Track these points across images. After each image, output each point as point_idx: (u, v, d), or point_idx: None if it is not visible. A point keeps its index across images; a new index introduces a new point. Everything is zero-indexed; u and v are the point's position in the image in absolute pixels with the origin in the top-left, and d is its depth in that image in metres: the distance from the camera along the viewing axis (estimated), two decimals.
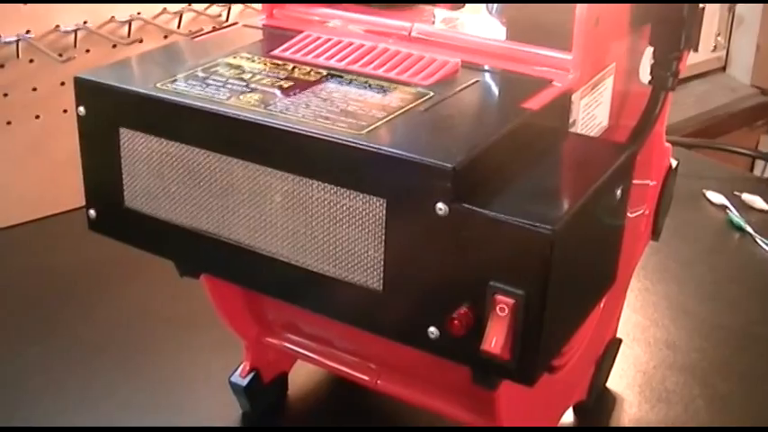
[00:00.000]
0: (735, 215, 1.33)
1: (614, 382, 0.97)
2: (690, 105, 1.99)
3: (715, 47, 2.15)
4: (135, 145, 0.68)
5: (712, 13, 2.11)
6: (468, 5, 0.90)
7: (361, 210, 0.59)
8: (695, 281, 1.19)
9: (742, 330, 1.08)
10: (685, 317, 1.10)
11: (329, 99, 0.65)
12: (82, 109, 0.70)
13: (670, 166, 0.89)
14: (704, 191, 1.40)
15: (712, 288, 1.18)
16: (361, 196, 0.59)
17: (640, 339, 1.05)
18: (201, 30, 1.29)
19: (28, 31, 1.21)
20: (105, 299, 1.11)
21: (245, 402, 0.91)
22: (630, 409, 0.95)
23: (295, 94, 0.66)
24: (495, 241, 0.56)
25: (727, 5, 2.13)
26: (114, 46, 1.28)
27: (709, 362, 1.02)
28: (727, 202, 1.37)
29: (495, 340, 0.56)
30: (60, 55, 1.22)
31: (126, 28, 1.28)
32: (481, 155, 0.58)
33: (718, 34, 2.14)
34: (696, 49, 0.80)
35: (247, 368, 0.90)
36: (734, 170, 1.53)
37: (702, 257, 1.25)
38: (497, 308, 0.56)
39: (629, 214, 0.82)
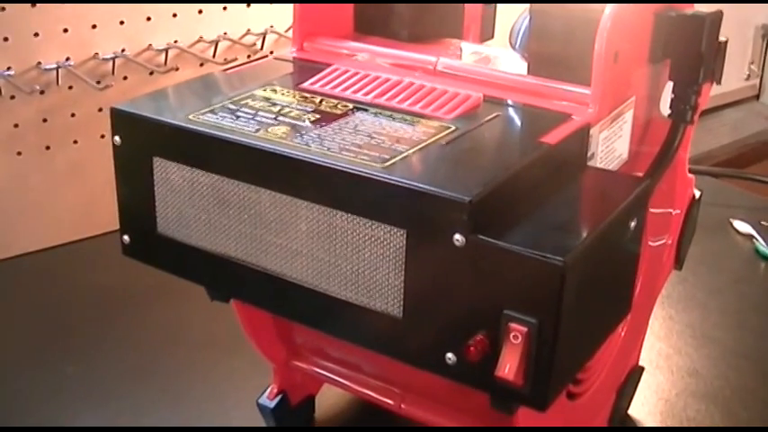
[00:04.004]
0: (762, 244, 1.34)
1: (636, 410, 0.98)
2: (723, 133, 2.00)
3: (749, 75, 2.16)
4: (168, 174, 0.70)
5: (746, 41, 2.12)
6: (494, 40, 0.93)
7: (382, 239, 0.61)
8: (720, 309, 1.19)
9: (766, 359, 1.09)
10: (709, 345, 1.11)
11: (354, 132, 0.67)
12: (117, 139, 0.72)
13: (693, 197, 0.90)
14: (731, 220, 1.41)
15: (737, 317, 1.18)
16: (383, 227, 0.61)
17: (663, 367, 1.06)
18: (236, 59, 1.33)
19: (68, 59, 1.24)
20: (141, 320, 1.14)
21: (272, 424, 0.93)
22: None
23: (322, 127, 0.68)
24: (510, 271, 0.58)
25: (761, 34, 2.14)
26: (151, 73, 1.31)
27: (732, 390, 1.03)
28: (754, 232, 1.37)
29: (508, 367, 0.58)
30: (98, 82, 1.25)
31: (163, 56, 1.31)
32: (498, 188, 0.60)
33: (752, 62, 2.15)
34: (719, 82, 0.81)
35: (275, 391, 0.92)
36: (762, 199, 1.53)
37: (728, 286, 1.26)
38: (511, 335, 0.58)
39: (651, 243, 0.84)
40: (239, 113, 0.70)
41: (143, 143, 0.71)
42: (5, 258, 1.26)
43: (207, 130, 0.67)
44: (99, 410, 0.98)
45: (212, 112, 0.70)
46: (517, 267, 0.57)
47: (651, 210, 0.80)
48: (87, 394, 1.00)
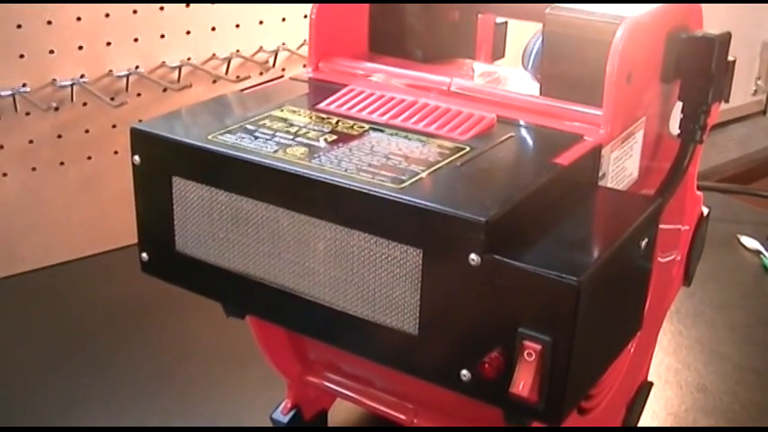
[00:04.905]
0: None
1: (646, 424, 0.99)
2: (730, 148, 2.00)
3: (755, 90, 2.17)
4: (187, 193, 0.71)
5: (753, 57, 2.12)
6: (504, 59, 0.94)
7: (399, 259, 0.62)
8: (729, 325, 1.20)
9: None
10: (718, 360, 1.12)
11: (371, 153, 0.68)
12: (137, 158, 0.73)
13: (702, 214, 0.91)
14: (739, 235, 1.42)
15: (746, 332, 1.19)
16: (399, 246, 0.62)
17: (672, 383, 1.07)
18: (249, 76, 1.34)
19: (82, 76, 1.25)
20: (154, 333, 1.15)
21: None
22: None
23: (339, 148, 0.69)
24: (525, 290, 0.59)
25: None
26: (165, 90, 1.32)
27: (741, 405, 1.04)
28: (761, 247, 1.38)
29: (522, 383, 0.59)
30: (112, 99, 1.26)
31: (176, 73, 1.32)
32: (513, 209, 0.61)
33: (759, 78, 2.16)
34: (727, 101, 0.82)
35: (289, 405, 0.93)
36: None
37: (736, 302, 1.26)
38: (525, 353, 0.59)
39: (660, 259, 0.85)
40: (257, 134, 0.71)
41: (162, 163, 0.72)
42: (20, 273, 1.28)
43: (226, 151, 0.68)
44: (113, 421, 0.99)
45: (231, 132, 0.71)
46: (532, 286, 0.58)
47: (660, 226, 0.81)
48: (102, 405, 1.01)
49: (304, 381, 0.92)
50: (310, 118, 0.74)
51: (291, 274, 0.68)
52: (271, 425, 0.94)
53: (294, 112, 0.76)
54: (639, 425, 0.98)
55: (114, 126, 1.30)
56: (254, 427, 0.96)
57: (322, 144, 0.70)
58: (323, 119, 0.74)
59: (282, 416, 0.93)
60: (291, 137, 0.71)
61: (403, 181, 0.64)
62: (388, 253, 0.63)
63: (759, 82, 2.16)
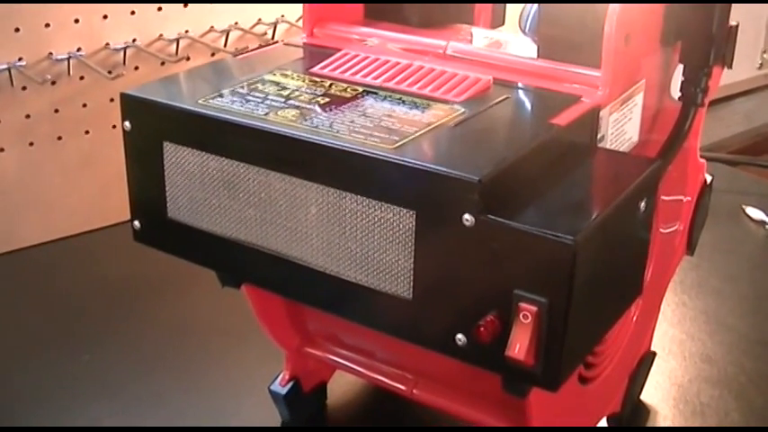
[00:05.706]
0: None
1: (649, 395, 0.98)
2: (736, 122, 1.99)
3: (761, 64, 2.15)
4: (178, 158, 0.70)
5: (758, 30, 2.11)
6: (504, 27, 0.93)
7: (392, 221, 0.61)
8: (734, 296, 1.19)
9: None
10: (723, 331, 1.11)
11: (364, 115, 0.67)
12: (128, 124, 0.72)
13: (705, 182, 0.90)
14: (744, 206, 1.41)
15: (751, 303, 1.18)
16: (392, 208, 0.61)
17: (676, 353, 1.06)
18: (247, 47, 1.33)
19: (79, 49, 1.24)
20: (153, 309, 1.14)
21: (284, 411, 0.93)
22: (665, 422, 0.95)
23: (331, 110, 0.68)
24: (520, 251, 0.57)
25: None
26: (162, 63, 1.31)
27: (747, 376, 1.03)
28: (766, 218, 1.37)
29: (518, 346, 0.58)
30: (110, 72, 1.25)
31: (174, 46, 1.31)
32: (508, 169, 0.60)
33: (765, 51, 2.14)
34: (730, 66, 0.81)
35: (287, 377, 0.92)
36: None
37: (742, 273, 1.26)
38: (521, 315, 0.58)
39: (663, 230, 0.84)
40: (249, 97, 0.70)
41: (153, 128, 0.71)
42: (18, 249, 1.27)
43: (216, 114, 0.67)
44: (112, 398, 0.98)
45: (222, 96, 0.70)
46: (527, 247, 0.57)
47: (663, 197, 0.80)
48: (101, 381, 1.01)
49: (303, 352, 0.91)
50: (303, 81, 0.73)
51: (284, 239, 0.67)
52: (269, 397, 0.93)
53: (287, 75, 0.75)
54: (643, 396, 0.97)
55: (112, 100, 1.29)
56: (257, 426, 0.95)
57: (314, 107, 0.68)
58: (316, 82, 0.73)
59: (281, 387, 0.92)
60: (283, 100, 0.70)
61: (396, 141, 0.62)
62: (381, 215, 0.62)
63: (765, 55, 2.15)
